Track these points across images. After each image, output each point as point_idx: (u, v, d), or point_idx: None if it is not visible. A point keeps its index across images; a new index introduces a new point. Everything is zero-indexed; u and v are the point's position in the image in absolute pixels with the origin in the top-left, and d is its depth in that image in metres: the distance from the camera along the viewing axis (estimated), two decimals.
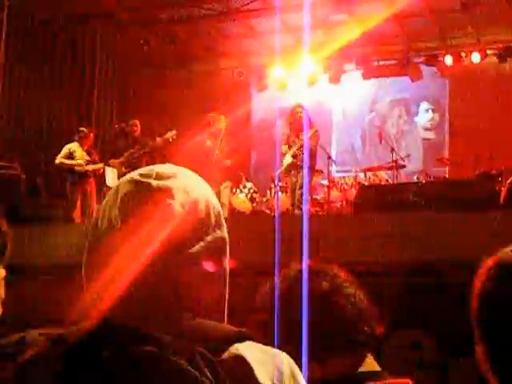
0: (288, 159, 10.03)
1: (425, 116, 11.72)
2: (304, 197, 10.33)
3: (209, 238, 1.30)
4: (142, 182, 1.30)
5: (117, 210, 1.28)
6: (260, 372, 1.20)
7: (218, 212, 1.35)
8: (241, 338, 1.23)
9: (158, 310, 1.24)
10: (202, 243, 1.29)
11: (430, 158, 10.97)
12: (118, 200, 1.29)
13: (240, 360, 1.19)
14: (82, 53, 14.44)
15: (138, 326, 1.20)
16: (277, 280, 1.77)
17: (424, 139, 12.20)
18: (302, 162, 9.97)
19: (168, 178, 1.31)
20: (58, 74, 13.92)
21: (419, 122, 12.28)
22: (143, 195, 1.28)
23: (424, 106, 11.74)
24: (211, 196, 1.36)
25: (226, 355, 1.19)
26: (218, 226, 1.33)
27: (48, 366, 1.19)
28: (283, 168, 10.16)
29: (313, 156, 10.07)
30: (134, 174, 1.33)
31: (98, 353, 1.17)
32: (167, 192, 1.28)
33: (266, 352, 1.24)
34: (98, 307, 1.24)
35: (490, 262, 1.45)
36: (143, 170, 1.34)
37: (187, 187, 1.31)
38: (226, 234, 1.35)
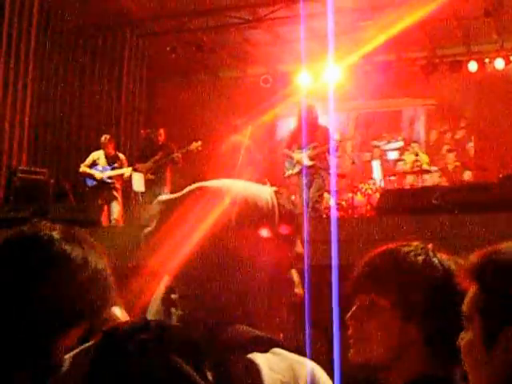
0: (306, 161, 9.99)
1: None
2: (333, 201, 10.41)
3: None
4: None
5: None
6: (271, 380, 1.22)
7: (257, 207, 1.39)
8: (266, 345, 1.27)
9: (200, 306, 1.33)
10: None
11: None
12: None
13: (252, 367, 1.22)
14: (111, 60, 14.63)
15: (169, 325, 1.31)
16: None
17: None
18: (322, 163, 9.98)
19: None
20: (87, 81, 14.11)
21: None
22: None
23: None
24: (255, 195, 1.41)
25: (240, 361, 1.23)
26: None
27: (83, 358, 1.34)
28: (296, 170, 10.14)
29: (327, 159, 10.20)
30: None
31: (117, 352, 1.28)
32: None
33: (289, 360, 1.26)
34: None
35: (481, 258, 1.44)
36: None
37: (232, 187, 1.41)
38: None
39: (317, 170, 9.98)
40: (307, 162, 9.93)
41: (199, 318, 1.31)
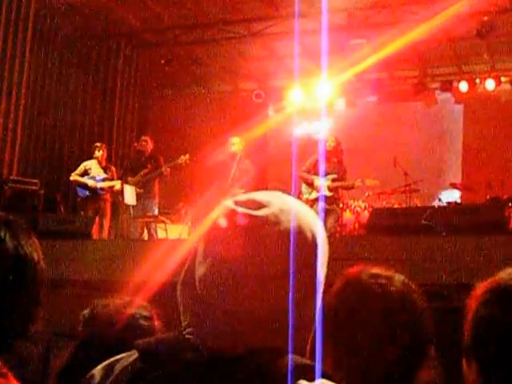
0: (325, 191, 10.25)
1: None
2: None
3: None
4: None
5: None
6: None
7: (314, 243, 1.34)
8: (312, 374, 1.23)
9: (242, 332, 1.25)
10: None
11: None
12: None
13: None
14: (105, 71, 14.65)
15: (213, 348, 1.22)
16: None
17: None
18: (338, 195, 10.47)
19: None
20: (80, 92, 14.11)
21: None
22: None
23: None
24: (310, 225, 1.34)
25: None
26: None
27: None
28: (313, 196, 10.35)
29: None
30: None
31: (160, 373, 1.21)
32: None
33: None
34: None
35: (486, 286, 1.50)
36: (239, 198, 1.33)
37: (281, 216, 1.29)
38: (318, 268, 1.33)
39: (334, 201, 10.32)
40: (326, 193, 10.22)
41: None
